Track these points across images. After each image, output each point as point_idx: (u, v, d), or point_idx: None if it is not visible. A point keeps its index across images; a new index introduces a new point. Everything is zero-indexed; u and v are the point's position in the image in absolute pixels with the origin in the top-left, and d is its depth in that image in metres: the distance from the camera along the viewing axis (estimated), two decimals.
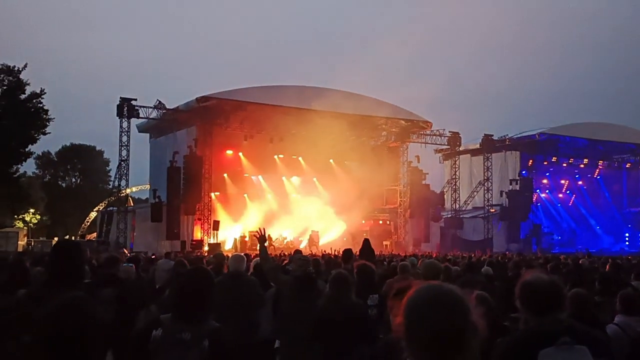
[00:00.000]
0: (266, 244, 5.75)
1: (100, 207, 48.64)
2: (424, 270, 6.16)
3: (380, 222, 41.95)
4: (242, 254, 7.99)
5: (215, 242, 33.03)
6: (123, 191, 33.64)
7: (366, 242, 10.00)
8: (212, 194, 34.45)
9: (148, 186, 43.91)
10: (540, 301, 3.09)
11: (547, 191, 48.28)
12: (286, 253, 22.98)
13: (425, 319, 1.92)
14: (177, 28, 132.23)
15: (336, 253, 24.58)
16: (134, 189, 56.16)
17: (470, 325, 1.92)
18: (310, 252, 27.53)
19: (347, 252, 8.29)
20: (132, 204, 46.42)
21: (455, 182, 41.68)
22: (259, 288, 6.57)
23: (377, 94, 38.92)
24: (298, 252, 9.94)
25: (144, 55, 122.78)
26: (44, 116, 30.26)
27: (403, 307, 1.98)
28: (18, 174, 32.09)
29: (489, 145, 41.70)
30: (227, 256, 8.28)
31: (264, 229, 6.29)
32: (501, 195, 42.03)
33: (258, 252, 6.50)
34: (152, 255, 21.11)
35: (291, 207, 39.46)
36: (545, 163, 45.28)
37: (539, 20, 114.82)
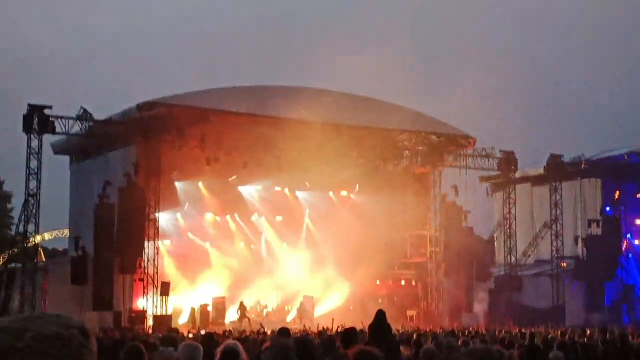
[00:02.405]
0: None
1: None
2: None
3: (403, 282, 41.84)
4: (201, 332, 7.96)
5: (163, 313, 32.84)
6: (31, 239, 33.54)
7: (380, 315, 10.00)
8: (160, 243, 34.41)
9: (67, 232, 43.79)
10: None
11: None
12: (267, 330, 22.87)
13: None
14: (111, 4, 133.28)
15: (338, 329, 24.49)
16: (46, 237, 56.07)
17: None
18: (302, 328, 27.41)
19: (349, 333, 8.26)
20: (44, 259, 46.17)
21: (510, 224, 41.71)
22: None
23: (397, 98, 39.23)
24: (284, 331, 9.89)
25: (64, 44, 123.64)
26: None
27: None
28: None
29: (558, 171, 41.86)
30: (183, 335, 8.25)
31: None
32: (576, 243, 41.92)
33: (226, 330, 6.46)
34: None
35: (274, 261, 39.39)
36: (639, 195, 45.44)
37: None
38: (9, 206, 64.90)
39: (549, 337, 17.04)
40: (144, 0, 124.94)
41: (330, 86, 37.12)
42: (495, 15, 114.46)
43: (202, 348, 6.76)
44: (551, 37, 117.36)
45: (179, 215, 37.10)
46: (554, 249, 41.45)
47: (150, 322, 31.82)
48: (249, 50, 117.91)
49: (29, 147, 31.68)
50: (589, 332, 22.13)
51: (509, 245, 41.59)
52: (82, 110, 32.48)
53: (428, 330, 25.82)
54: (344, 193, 41.48)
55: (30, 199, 32.08)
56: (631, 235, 46.40)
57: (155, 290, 33.14)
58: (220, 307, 35.77)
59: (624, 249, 43.69)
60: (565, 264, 41.64)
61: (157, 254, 33.71)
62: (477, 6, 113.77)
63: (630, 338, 16.90)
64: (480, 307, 40.20)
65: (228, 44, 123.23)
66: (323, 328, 23.58)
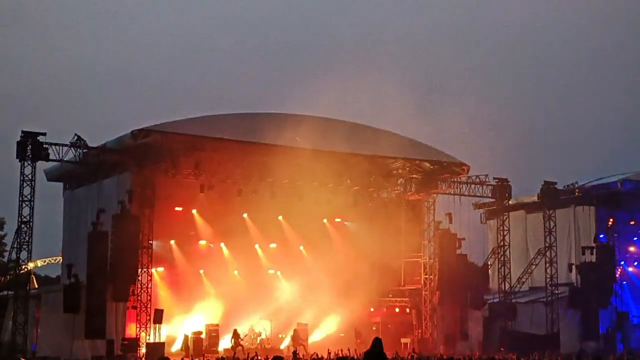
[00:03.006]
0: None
1: None
2: None
3: (397, 310, 41.79)
4: None
5: (156, 341, 32.69)
6: (23, 267, 33.40)
7: (377, 343, 10.01)
8: (154, 271, 34.33)
9: (60, 259, 43.67)
10: None
11: (635, 263, 48.35)
12: (261, 357, 22.85)
13: None
14: (107, 30, 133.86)
15: (332, 356, 24.49)
16: (39, 264, 55.94)
17: None
18: (297, 355, 27.33)
19: None
20: (36, 286, 46.02)
21: (504, 251, 41.72)
22: None
23: (390, 124, 39.37)
24: None
25: (57, 69, 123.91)
26: None
27: None
28: None
29: (552, 198, 41.96)
30: None
31: None
32: (570, 271, 41.93)
33: (219, 357, 6.52)
34: None
35: (267, 288, 39.29)
36: (632, 223, 45.48)
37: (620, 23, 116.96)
38: (1, 233, 64.73)
39: None
40: (138, 29, 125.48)
41: (323, 113, 37.16)
42: (491, 43, 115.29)
43: None
44: (546, 65, 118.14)
45: (172, 242, 37.04)
46: (547, 276, 41.46)
47: (143, 349, 31.67)
48: (241, 78, 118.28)
49: (22, 173, 31.53)
50: None
51: (503, 272, 41.55)
52: (75, 137, 32.46)
53: (422, 355, 25.76)
54: (337, 220, 41.48)
55: (22, 225, 31.90)
56: (625, 262, 46.48)
57: (148, 317, 33.00)
58: (214, 334, 35.63)
59: (617, 276, 43.73)
60: (559, 292, 41.61)
61: (150, 281, 33.63)
62: (473, 35, 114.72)
63: None
64: (474, 335, 40.11)
65: (220, 72, 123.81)
66: (314, 356, 23.54)
